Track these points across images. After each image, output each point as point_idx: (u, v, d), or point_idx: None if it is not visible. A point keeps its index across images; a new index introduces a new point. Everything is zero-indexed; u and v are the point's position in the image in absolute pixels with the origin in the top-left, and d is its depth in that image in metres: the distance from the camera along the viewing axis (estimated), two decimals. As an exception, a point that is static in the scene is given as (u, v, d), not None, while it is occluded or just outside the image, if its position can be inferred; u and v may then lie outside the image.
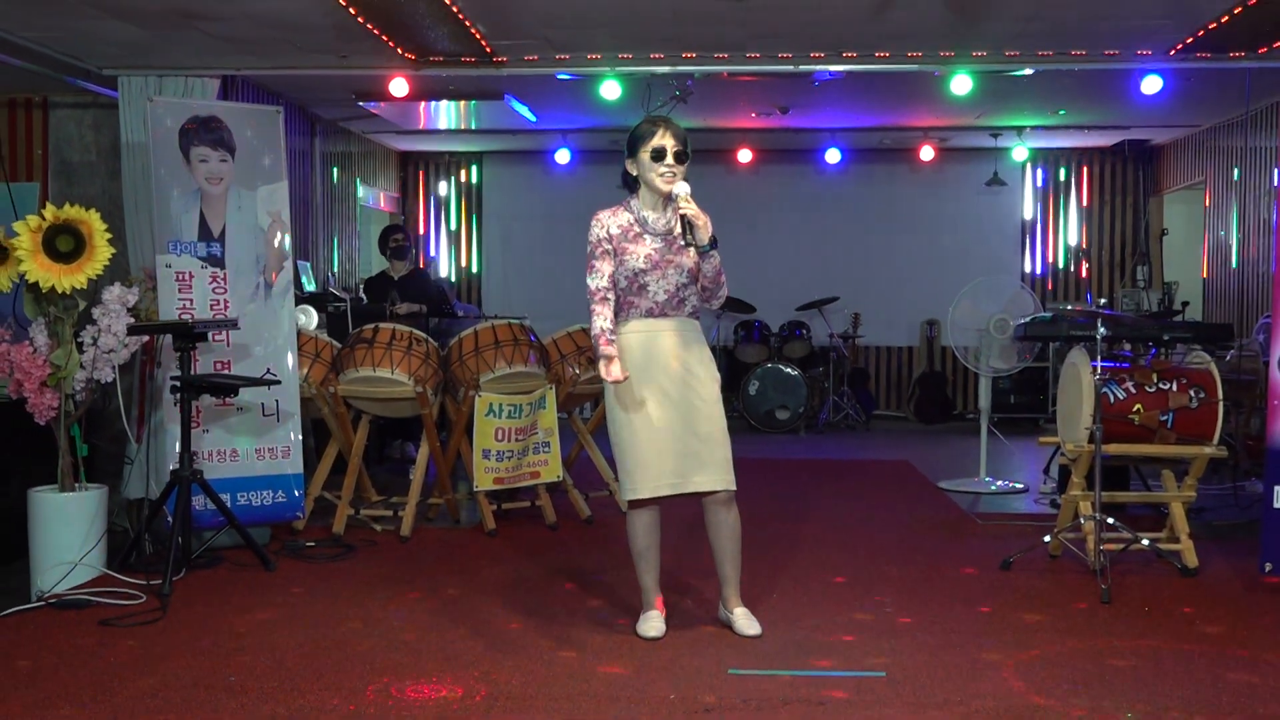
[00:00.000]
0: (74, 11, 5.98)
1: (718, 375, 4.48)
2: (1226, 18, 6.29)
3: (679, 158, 4.32)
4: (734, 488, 4.40)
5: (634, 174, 4.42)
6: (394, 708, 3.68)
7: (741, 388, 11.10)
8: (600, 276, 4.35)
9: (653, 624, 4.43)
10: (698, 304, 4.46)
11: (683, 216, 4.23)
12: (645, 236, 4.37)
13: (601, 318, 4.31)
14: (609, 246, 4.37)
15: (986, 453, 8.08)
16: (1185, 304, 10.31)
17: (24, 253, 5.07)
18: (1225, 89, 8.34)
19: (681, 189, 4.27)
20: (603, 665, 4.10)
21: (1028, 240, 12.30)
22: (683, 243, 4.28)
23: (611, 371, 4.23)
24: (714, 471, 4.35)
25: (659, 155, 4.31)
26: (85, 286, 5.23)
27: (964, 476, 8.11)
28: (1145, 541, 5.44)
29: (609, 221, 4.40)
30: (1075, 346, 5.74)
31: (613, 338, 4.30)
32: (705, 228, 4.22)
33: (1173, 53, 7.09)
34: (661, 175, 4.31)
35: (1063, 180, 12.26)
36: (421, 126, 10.60)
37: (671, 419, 4.34)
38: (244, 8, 6.05)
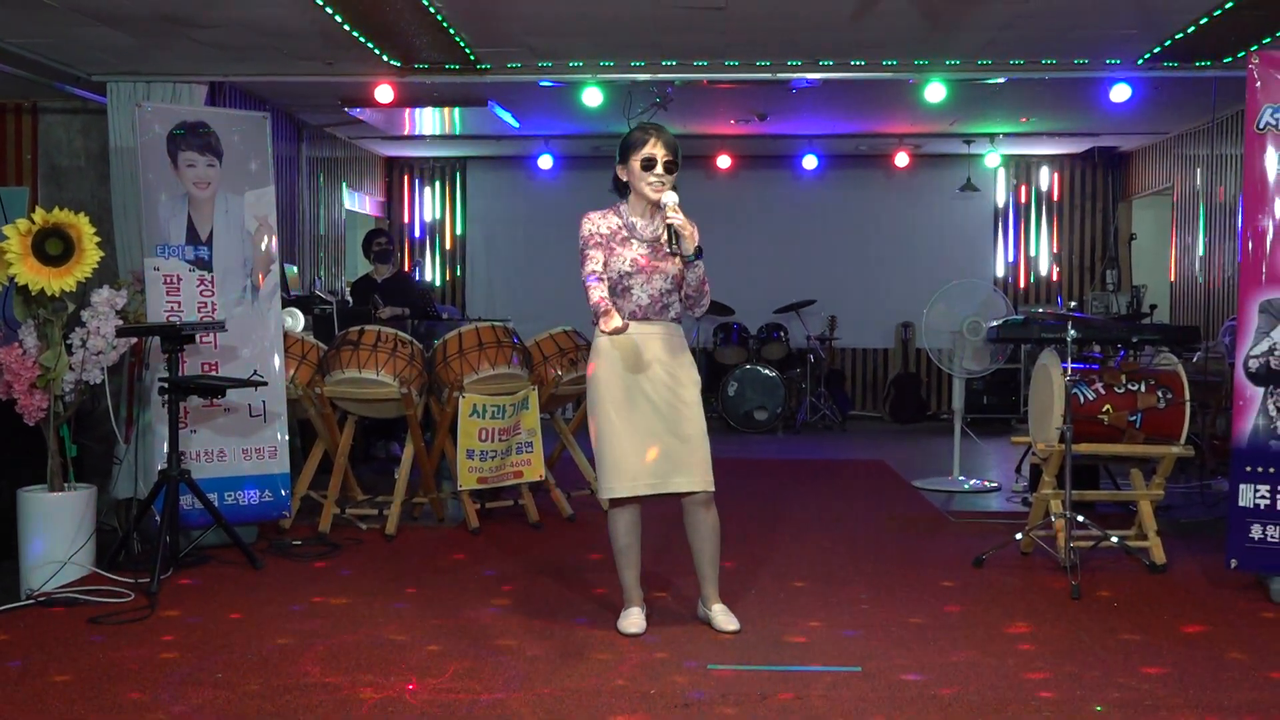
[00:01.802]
0: (63, 18, 6.00)
1: (698, 379, 4.55)
2: (1193, 28, 6.41)
3: (669, 167, 4.39)
4: (713, 489, 4.46)
5: (624, 179, 4.49)
6: (380, 703, 3.72)
7: (720, 389, 11.19)
8: (595, 262, 4.39)
9: (633, 620, 4.49)
10: (681, 310, 4.55)
11: (669, 225, 4.31)
12: (632, 241, 4.44)
13: (597, 291, 4.33)
14: (600, 240, 4.43)
15: (960, 452, 8.16)
16: (1153, 307, 10.46)
17: (14, 256, 5.09)
18: (1192, 97, 8.45)
19: (670, 198, 4.33)
20: (584, 662, 4.15)
21: (1000, 244, 12.44)
22: (668, 250, 4.37)
23: (611, 322, 4.20)
24: (693, 473, 4.42)
25: (649, 164, 4.38)
26: (74, 289, 5.25)
27: (938, 475, 8.20)
28: (1114, 539, 5.55)
29: (599, 222, 4.46)
30: (1046, 348, 5.84)
31: (609, 304, 4.31)
32: (691, 237, 4.29)
33: (1141, 62, 7.21)
34: (650, 184, 4.37)
35: (1034, 186, 12.40)
36: (406, 132, 10.63)
37: (652, 421, 4.41)
38: (232, 15, 6.09)
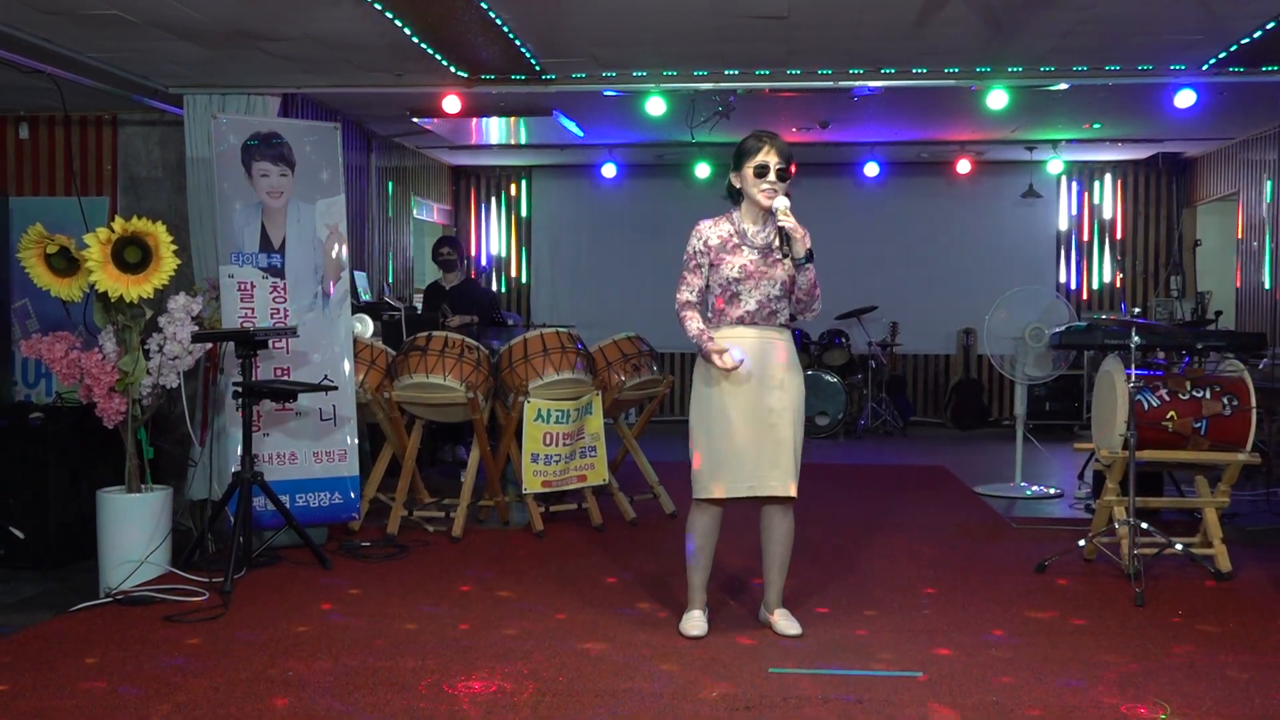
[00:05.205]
0: (142, 33, 6.14)
1: (802, 386, 4.57)
2: (1260, 33, 6.34)
3: (781, 175, 4.45)
4: (794, 495, 4.49)
5: (737, 186, 4.54)
6: (445, 702, 3.80)
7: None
8: (690, 290, 4.48)
9: (695, 623, 4.54)
10: (788, 317, 4.56)
11: (780, 228, 4.37)
12: (743, 248, 4.48)
13: (693, 321, 4.44)
14: (703, 260, 4.48)
15: (1022, 458, 8.13)
16: (1219, 313, 10.32)
17: (94, 264, 5.24)
18: (1258, 102, 8.35)
19: (781, 203, 4.39)
20: (646, 663, 4.20)
21: (1063, 251, 12.34)
22: (780, 254, 4.43)
23: (726, 360, 4.33)
24: (781, 477, 4.45)
25: (762, 172, 4.44)
26: (152, 296, 5.40)
27: (1000, 482, 8.18)
28: (1179, 546, 5.50)
29: (709, 232, 4.51)
30: (1110, 355, 5.81)
31: (711, 335, 4.43)
32: (802, 241, 4.37)
33: (1206, 67, 7.14)
34: (764, 190, 4.43)
35: (1097, 192, 12.30)
36: (473, 142, 10.71)
37: (752, 425, 4.43)
38: (304, 29, 6.19)
